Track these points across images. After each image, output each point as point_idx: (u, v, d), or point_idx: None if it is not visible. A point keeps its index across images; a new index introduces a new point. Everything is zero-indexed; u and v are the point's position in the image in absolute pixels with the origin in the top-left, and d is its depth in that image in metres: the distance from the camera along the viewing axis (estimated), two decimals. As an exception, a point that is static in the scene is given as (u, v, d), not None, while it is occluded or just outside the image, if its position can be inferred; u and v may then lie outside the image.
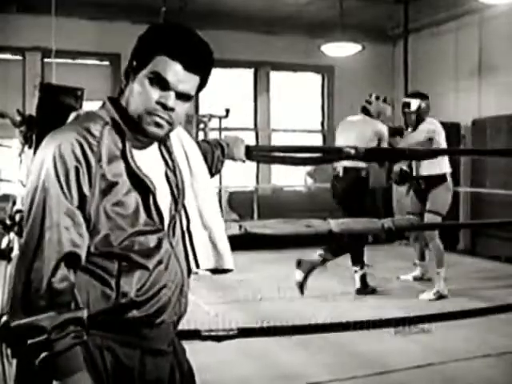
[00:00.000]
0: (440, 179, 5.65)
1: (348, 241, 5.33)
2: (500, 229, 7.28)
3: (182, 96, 1.45)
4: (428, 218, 5.57)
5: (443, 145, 5.63)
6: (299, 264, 5.15)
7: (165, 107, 1.43)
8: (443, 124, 8.43)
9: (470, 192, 8.28)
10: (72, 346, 1.34)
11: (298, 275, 5.18)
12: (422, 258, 6.32)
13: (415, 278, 6.30)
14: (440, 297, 5.51)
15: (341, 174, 5.66)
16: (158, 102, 1.42)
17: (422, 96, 5.76)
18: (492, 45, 8.04)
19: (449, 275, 5.72)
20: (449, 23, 8.71)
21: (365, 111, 5.84)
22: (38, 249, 1.34)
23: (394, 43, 9.81)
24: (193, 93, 1.48)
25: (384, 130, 5.69)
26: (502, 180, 7.48)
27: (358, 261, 5.66)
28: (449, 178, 5.69)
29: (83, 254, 1.39)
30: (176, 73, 1.42)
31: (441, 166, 5.60)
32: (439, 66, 8.91)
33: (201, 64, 1.47)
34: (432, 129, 5.57)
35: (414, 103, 5.65)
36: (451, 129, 8.47)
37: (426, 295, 5.55)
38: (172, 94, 1.43)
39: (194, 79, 1.46)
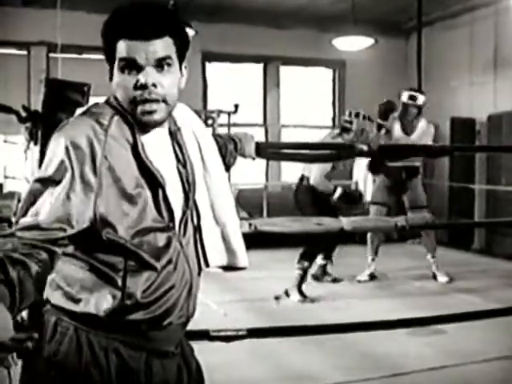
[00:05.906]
0: (417, 171, 5.85)
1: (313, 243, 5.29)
2: (516, 227, 7.18)
3: (160, 65, 1.40)
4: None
5: None
6: (287, 294, 5.29)
7: (145, 86, 1.38)
8: (458, 119, 8.30)
9: (485, 189, 8.17)
10: None
11: (294, 297, 5.29)
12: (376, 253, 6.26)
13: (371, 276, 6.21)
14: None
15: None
16: (135, 87, 1.38)
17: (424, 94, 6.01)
18: (508, 37, 7.88)
19: (463, 275, 5.64)
20: (463, 16, 8.59)
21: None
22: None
23: (408, 37, 9.69)
24: (171, 54, 1.41)
25: None
26: (518, 177, 7.38)
27: (307, 258, 5.42)
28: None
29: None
30: (137, 48, 1.37)
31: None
32: (453, 59, 8.80)
33: (154, 26, 1.39)
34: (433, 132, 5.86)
35: (421, 99, 5.83)
36: (466, 124, 8.37)
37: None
38: (148, 70, 1.38)
39: (160, 43, 1.39)
